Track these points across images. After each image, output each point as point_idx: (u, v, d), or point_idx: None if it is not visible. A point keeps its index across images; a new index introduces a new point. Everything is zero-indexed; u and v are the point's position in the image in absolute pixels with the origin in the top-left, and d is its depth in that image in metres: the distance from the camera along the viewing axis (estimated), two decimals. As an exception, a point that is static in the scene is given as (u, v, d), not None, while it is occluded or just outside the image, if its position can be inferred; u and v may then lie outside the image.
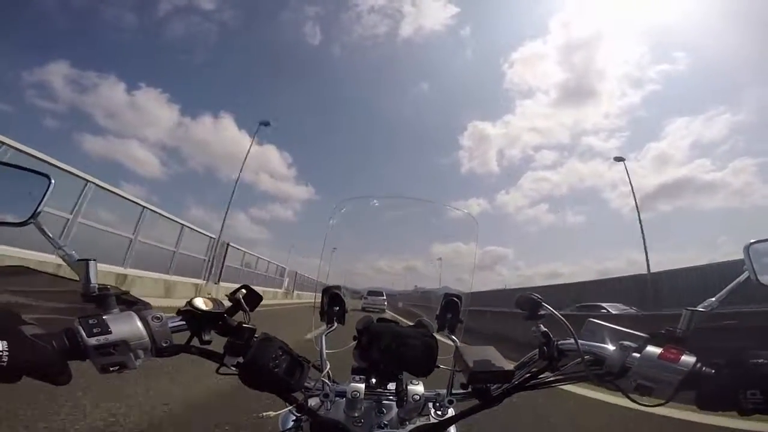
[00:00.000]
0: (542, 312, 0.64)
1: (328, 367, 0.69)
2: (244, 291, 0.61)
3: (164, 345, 0.53)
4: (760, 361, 0.49)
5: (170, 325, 0.54)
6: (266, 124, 22.39)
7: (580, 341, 0.59)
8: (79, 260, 0.56)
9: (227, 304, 0.61)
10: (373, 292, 23.19)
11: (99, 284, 0.55)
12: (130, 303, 0.56)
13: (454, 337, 0.78)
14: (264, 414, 0.65)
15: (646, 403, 0.55)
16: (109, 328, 0.49)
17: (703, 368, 0.52)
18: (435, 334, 0.75)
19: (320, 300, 0.80)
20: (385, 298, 23.83)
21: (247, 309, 0.60)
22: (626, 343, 0.57)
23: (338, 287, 0.82)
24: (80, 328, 0.48)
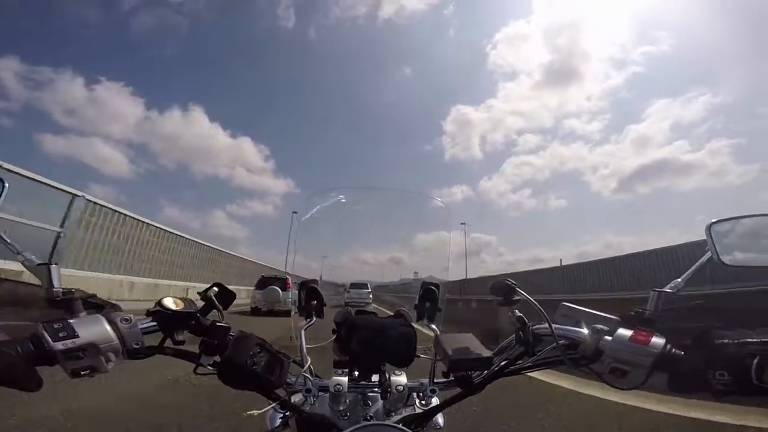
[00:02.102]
0: (517, 297, 0.66)
1: (309, 362, 0.68)
2: (216, 289, 0.60)
3: (135, 347, 0.52)
4: (725, 341, 0.51)
5: (140, 326, 0.53)
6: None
7: (554, 326, 0.61)
8: (39, 264, 0.54)
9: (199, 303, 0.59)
10: (356, 285, 20.54)
11: (63, 288, 0.53)
12: (98, 306, 0.55)
13: (433, 326, 0.79)
14: (248, 412, 0.64)
15: (622, 387, 0.56)
16: (75, 331, 0.48)
17: (673, 350, 0.53)
18: (414, 324, 0.76)
19: (297, 294, 0.79)
20: (369, 290, 20.16)
21: (220, 307, 0.59)
22: (598, 326, 0.57)
23: (315, 281, 0.81)
24: (45, 332, 0.47)
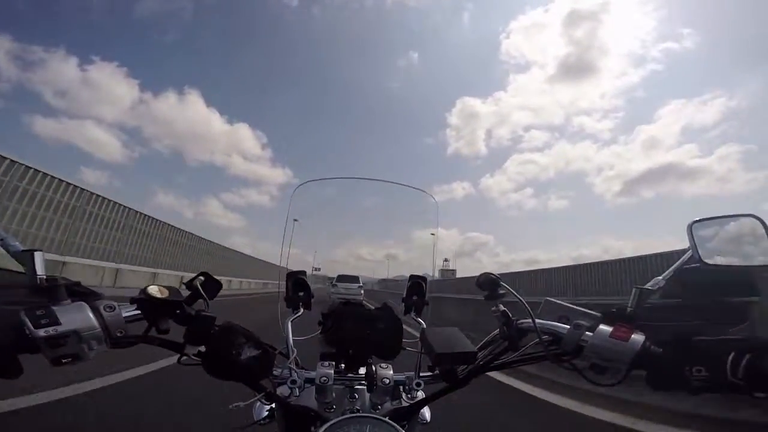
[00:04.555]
0: (501, 291, 0.66)
1: (295, 353, 0.69)
2: (202, 278, 0.60)
3: (119, 335, 0.52)
4: (703, 338, 0.52)
5: (124, 314, 0.53)
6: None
7: (537, 321, 0.62)
8: (23, 251, 0.53)
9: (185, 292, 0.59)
10: (345, 278, 17.23)
11: (47, 275, 0.52)
12: (82, 294, 0.54)
13: (420, 319, 0.80)
14: (234, 405, 0.64)
15: (601, 383, 0.56)
16: (58, 319, 0.47)
17: (652, 347, 0.54)
18: (401, 317, 0.76)
19: (285, 286, 0.80)
20: (360, 284, 18.51)
21: (206, 297, 0.59)
22: (580, 322, 0.58)
23: (303, 272, 0.81)
24: (26, 319, 0.46)
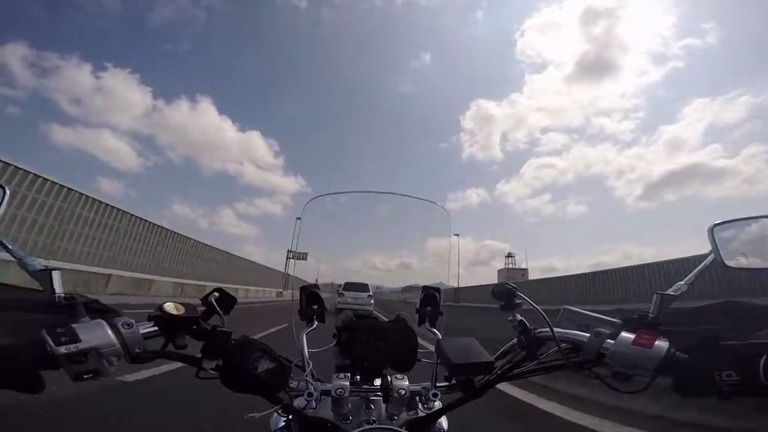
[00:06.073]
0: (518, 301, 0.66)
1: (311, 366, 0.69)
2: (216, 294, 0.61)
3: (137, 351, 0.53)
4: (731, 342, 0.50)
5: (142, 331, 0.54)
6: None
7: (556, 329, 0.60)
8: (41, 270, 0.54)
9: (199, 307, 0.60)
10: (353, 286, 15.18)
11: (65, 293, 0.54)
12: (100, 311, 0.55)
13: (435, 330, 0.79)
14: (250, 415, 0.65)
15: (625, 390, 0.55)
16: (77, 336, 0.48)
17: (677, 353, 0.52)
18: (416, 328, 0.76)
19: (299, 299, 0.80)
20: (370, 294, 16.66)
21: (221, 312, 0.60)
22: (601, 329, 0.57)
23: (316, 286, 0.81)
24: (48, 337, 0.48)
